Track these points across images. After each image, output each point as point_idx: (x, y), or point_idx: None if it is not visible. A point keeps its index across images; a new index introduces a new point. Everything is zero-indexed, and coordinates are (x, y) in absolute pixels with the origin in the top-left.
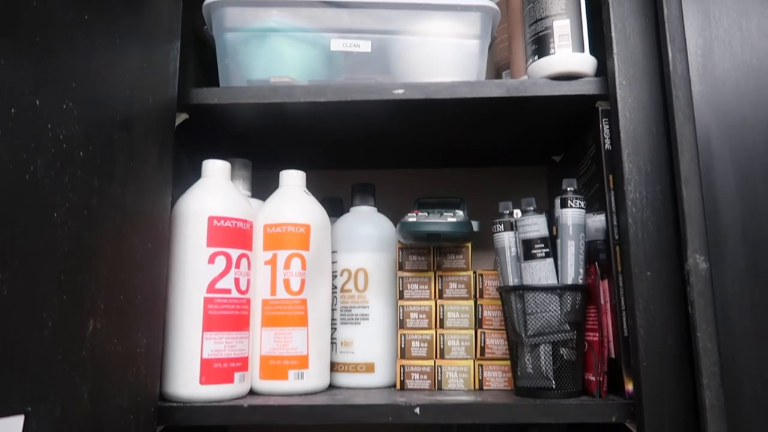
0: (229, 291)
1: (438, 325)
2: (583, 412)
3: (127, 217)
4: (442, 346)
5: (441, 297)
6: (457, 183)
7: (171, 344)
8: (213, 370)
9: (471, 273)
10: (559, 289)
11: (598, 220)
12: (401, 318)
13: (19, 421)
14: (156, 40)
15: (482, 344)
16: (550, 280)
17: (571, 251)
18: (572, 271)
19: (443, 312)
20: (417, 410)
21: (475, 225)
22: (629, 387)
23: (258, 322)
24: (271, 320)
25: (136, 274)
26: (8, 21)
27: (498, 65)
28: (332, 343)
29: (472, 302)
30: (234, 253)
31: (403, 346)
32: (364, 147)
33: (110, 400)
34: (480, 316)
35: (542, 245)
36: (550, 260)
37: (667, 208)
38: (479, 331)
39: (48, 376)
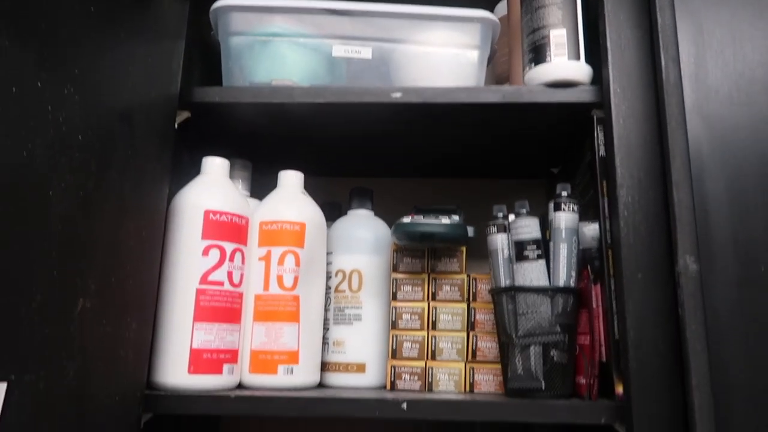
0: (221, 283)
1: (430, 327)
2: (572, 412)
3: (124, 204)
4: (433, 348)
5: (434, 299)
6: (455, 193)
7: (161, 333)
8: (202, 361)
9: (465, 276)
10: (551, 291)
11: (592, 229)
12: (393, 319)
13: (1, 387)
14: (160, 38)
15: (474, 347)
16: (542, 281)
17: (564, 254)
18: (564, 274)
19: (436, 314)
20: (404, 406)
21: (470, 230)
22: (619, 390)
23: (250, 317)
24: (263, 315)
25: (128, 260)
26: (14, 4)
27: (498, 78)
28: (324, 343)
29: (465, 305)
30: (228, 246)
31: (394, 346)
32: (363, 152)
33: (96, 380)
34: (472, 319)
35: (534, 247)
36: (542, 262)
37: (658, 213)
38: (471, 333)
39: (33, 348)
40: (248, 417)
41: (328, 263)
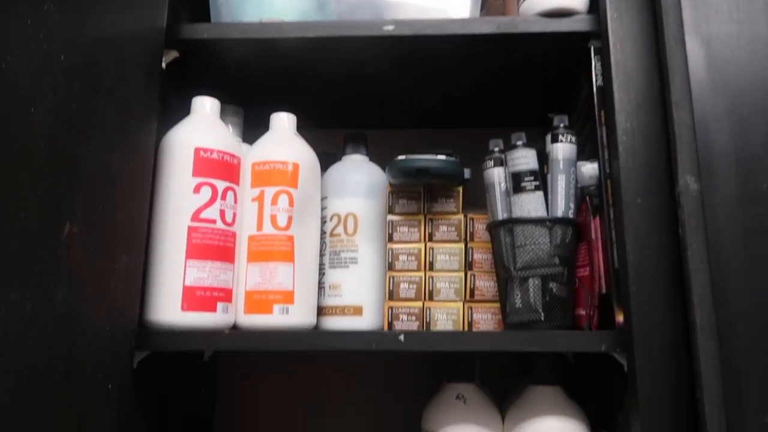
0: (213, 221)
1: (427, 268)
2: (571, 341)
3: (110, 132)
4: (431, 288)
5: (431, 240)
6: (451, 143)
7: (153, 271)
8: (195, 298)
9: (462, 216)
10: (549, 222)
11: (590, 168)
12: (390, 260)
13: None
14: None
15: (472, 286)
16: (540, 213)
17: (562, 185)
18: (562, 205)
19: (433, 255)
20: (401, 338)
21: (466, 173)
22: (620, 318)
23: (244, 258)
24: (257, 255)
25: (116, 191)
26: None
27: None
28: (320, 287)
29: (462, 245)
30: (220, 184)
31: (391, 288)
32: (357, 98)
33: (86, 310)
34: (470, 259)
35: (532, 178)
36: (540, 193)
37: (658, 136)
38: (469, 273)
39: (19, 266)
40: (243, 353)
41: (323, 208)
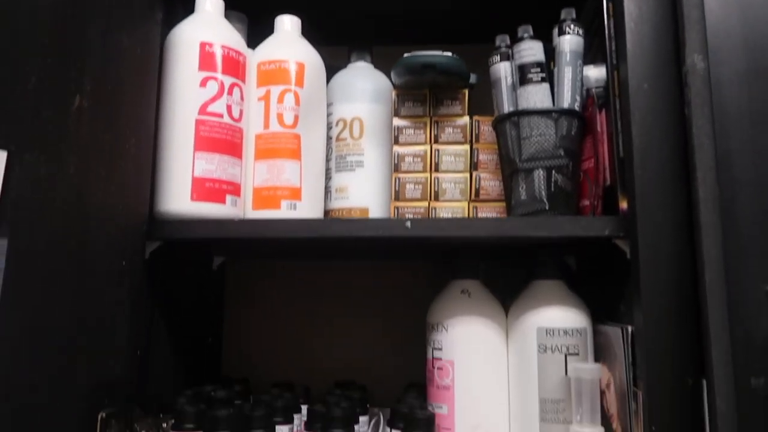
0: (221, 115)
1: (433, 169)
2: (575, 226)
3: (114, 14)
4: (436, 189)
5: (436, 142)
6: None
7: (163, 163)
8: (204, 189)
9: (467, 118)
10: (555, 113)
11: (597, 71)
12: (396, 162)
13: (2, 155)
14: None
15: (477, 186)
16: (546, 105)
17: (568, 77)
18: (569, 97)
19: (438, 156)
20: (408, 224)
21: (472, 77)
22: (623, 205)
23: (251, 156)
24: (264, 153)
25: (124, 73)
26: None
27: None
28: (327, 191)
29: (467, 146)
30: (226, 80)
31: (397, 188)
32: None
33: (98, 185)
34: (475, 160)
35: (538, 69)
36: (546, 85)
37: (666, 22)
38: (474, 173)
39: (32, 128)
40: (253, 241)
41: (329, 114)
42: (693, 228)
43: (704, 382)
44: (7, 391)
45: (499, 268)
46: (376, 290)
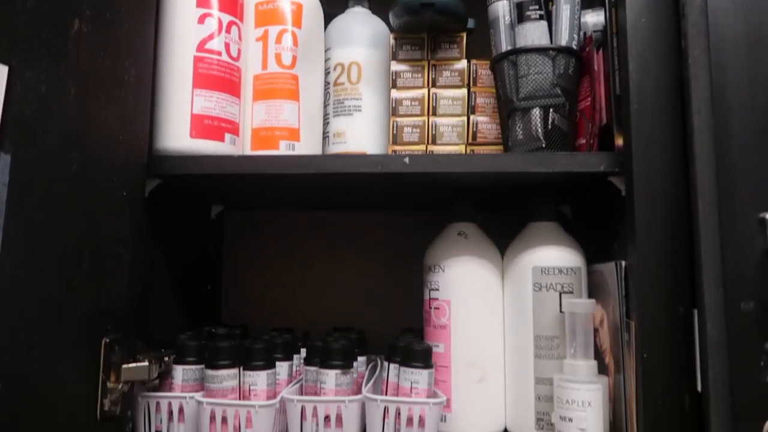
0: (219, 53)
1: (430, 113)
2: (571, 162)
3: None
4: (434, 132)
5: (434, 85)
6: None
7: (162, 100)
8: (203, 126)
9: (465, 62)
10: (552, 50)
11: (594, 15)
12: (394, 106)
13: (3, 70)
14: None
15: (474, 129)
16: (544, 42)
17: (566, 15)
18: (566, 35)
19: (436, 100)
20: (406, 160)
21: (470, 22)
22: (619, 141)
23: (249, 98)
24: (262, 93)
25: (121, 1)
26: None
27: None
28: (325, 136)
29: (465, 90)
30: (224, 17)
31: (395, 132)
32: None
33: (98, 110)
34: (473, 103)
35: (536, 6)
36: (544, 23)
37: None
38: (471, 117)
39: (33, 46)
40: (251, 184)
41: (327, 59)
42: (687, 161)
43: (695, 312)
44: (13, 309)
45: (496, 215)
46: (374, 240)
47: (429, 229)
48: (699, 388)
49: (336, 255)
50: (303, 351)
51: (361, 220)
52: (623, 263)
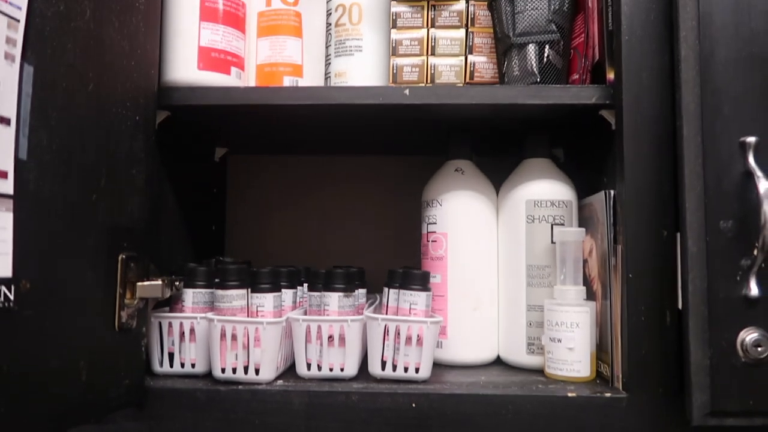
0: None
1: (429, 52)
2: (565, 94)
3: None
4: (432, 72)
5: (433, 26)
6: None
7: (169, 33)
8: (210, 58)
9: (463, 2)
10: None
11: None
12: (394, 46)
13: None
14: None
15: (472, 69)
16: None
17: None
18: None
19: (435, 40)
20: (407, 91)
21: None
22: (610, 75)
23: (254, 35)
24: (266, 30)
25: None
26: None
27: None
28: (326, 77)
29: (463, 31)
30: None
31: (395, 71)
32: None
33: (111, 31)
34: (471, 43)
35: None
36: None
37: None
38: (469, 57)
39: None
40: (255, 119)
41: (328, 0)
42: (674, 90)
43: (678, 235)
44: (41, 215)
45: (492, 158)
46: (374, 183)
47: (428, 171)
48: (680, 306)
49: (337, 198)
50: (305, 286)
51: (361, 163)
52: (612, 192)
